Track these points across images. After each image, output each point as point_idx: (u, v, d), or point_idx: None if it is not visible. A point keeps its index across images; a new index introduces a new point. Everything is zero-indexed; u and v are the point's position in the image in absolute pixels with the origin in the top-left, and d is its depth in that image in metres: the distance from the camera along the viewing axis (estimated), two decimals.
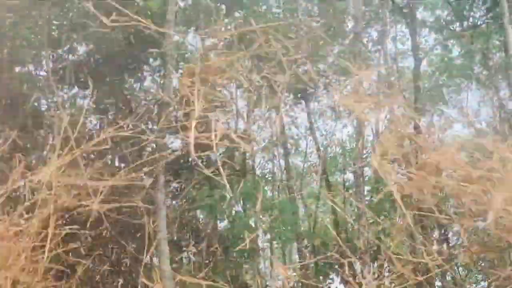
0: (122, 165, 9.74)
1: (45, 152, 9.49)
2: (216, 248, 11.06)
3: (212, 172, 8.29)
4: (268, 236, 12.91)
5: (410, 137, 8.36)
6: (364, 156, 12.14)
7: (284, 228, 12.17)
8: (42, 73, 11.41)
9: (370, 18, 14.76)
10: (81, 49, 11.55)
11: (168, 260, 8.35)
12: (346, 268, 8.75)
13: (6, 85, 10.22)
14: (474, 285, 13.55)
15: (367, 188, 12.62)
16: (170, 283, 8.02)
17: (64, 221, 7.96)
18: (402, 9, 14.22)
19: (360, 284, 7.98)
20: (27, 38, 10.67)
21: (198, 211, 12.20)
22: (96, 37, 10.37)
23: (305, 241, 13.54)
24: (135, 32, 9.99)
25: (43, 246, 7.03)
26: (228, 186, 9.21)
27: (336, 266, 12.20)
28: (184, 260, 11.36)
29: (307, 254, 13.30)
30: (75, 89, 11.66)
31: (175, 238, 10.96)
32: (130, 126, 8.54)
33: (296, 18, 12.64)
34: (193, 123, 7.38)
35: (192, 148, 7.24)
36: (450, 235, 12.34)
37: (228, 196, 11.08)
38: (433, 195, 7.52)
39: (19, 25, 10.39)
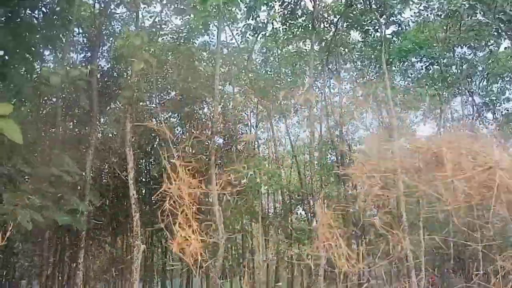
0: None
1: None
2: None
3: None
4: (266, 187, 24.40)
5: None
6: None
7: (274, 182, 23.69)
8: None
9: None
10: None
11: None
12: (306, 203, 20.45)
13: None
14: None
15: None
16: None
17: None
18: None
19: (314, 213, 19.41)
20: None
21: None
22: None
23: (284, 189, 25.36)
24: None
25: None
26: None
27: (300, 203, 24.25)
28: None
29: (286, 193, 25.17)
30: None
31: None
32: None
33: None
34: None
35: None
36: None
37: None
38: None
39: None
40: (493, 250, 20.98)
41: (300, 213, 31.33)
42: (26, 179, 11.72)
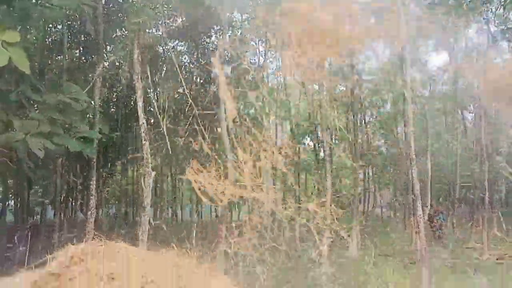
0: None
1: None
2: None
3: None
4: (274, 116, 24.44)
5: None
6: None
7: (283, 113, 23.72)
8: None
9: None
10: None
11: None
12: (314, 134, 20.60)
13: None
14: None
15: None
16: None
17: None
18: None
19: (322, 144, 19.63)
20: None
21: None
22: None
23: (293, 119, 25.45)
24: None
25: None
26: None
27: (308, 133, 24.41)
28: None
29: (293, 126, 25.28)
30: None
31: None
32: None
33: None
34: None
35: None
36: None
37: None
38: None
39: None
40: (499, 180, 21.28)
41: (308, 143, 31.63)
42: (36, 108, 11.80)
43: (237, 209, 38.55)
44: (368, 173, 30.58)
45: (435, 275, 13.53)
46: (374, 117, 27.19)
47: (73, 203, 29.51)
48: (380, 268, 14.67)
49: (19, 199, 24.84)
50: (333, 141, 20.12)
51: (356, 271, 14.23)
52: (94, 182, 13.85)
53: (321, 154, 25.99)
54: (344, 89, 24.79)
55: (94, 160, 13.93)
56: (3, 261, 14.73)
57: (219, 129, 17.66)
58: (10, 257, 16.02)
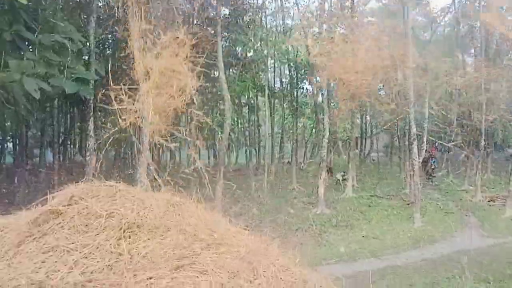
0: None
1: None
2: None
3: None
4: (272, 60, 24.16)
5: None
6: None
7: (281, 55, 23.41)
8: None
9: None
10: None
11: None
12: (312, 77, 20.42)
13: None
14: None
15: None
16: None
17: None
18: None
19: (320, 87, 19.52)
20: None
21: None
22: None
23: (291, 63, 25.16)
24: None
25: None
26: None
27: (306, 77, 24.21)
28: None
29: (292, 68, 25.05)
30: None
31: None
32: None
33: None
34: None
35: None
36: None
37: None
38: None
39: None
40: (496, 124, 21.29)
41: (306, 87, 31.46)
42: (30, 48, 11.59)
43: (234, 153, 38.98)
44: (365, 117, 30.62)
45: (427, 215, 13.86)
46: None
47: (72, 146, 29.68)
48: (374, 209, 15.00)
49: (17, 142, 24.92)
50: (331, 85, 19.90)
51: (350, 211, 14.53)
52: (92, 124, 13.85)
53: (319, 99, 25.94)
54: (345, 32, 24.32)
55: (91, 101, 13.86)
56: (3, 201, 14.97)
57: (216, 73, 17.46)
58: (10, 198, 16.28)
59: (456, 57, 21.24)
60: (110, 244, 3.84)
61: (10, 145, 30.40)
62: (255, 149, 28.53)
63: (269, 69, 25.55)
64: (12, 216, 4.82)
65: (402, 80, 15.80)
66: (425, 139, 17.20)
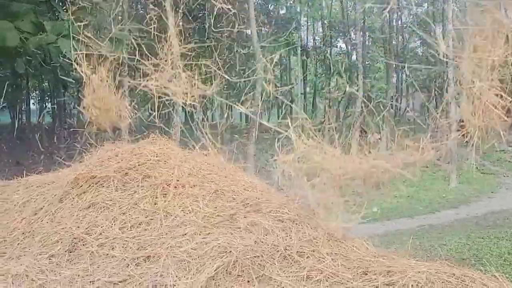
0: None
1: None
2: None
3: None
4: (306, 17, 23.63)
5: None
6: None
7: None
8: None
9: None
10: None
11: None
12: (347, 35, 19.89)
13: None
14: None
15: None
16: None
17: None
18: None
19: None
20: None
21: None
22: None
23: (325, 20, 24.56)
24: None
25: None
26: None
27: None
28: None
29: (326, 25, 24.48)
30: None
31: None
32: None
33: None
34: None
35: None
36: None
37: None
38: None
39: None
40: None
41: (340, 46, 30.77)
42: (64, 9, 11.69)
43: (266, 114, 38.89)
44: (401, 76, 29.87)
45: (463, 175, 13.63)
46: (411, 16, 25.97)
47: None
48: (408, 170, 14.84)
49: (56, 102, 25.58)
50: (367, 42, 19.39)
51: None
52: (127, 90, 13.98)
53: (353, 57, 25.37)
54: None
55: (126, 61, 13.97)
56: (44, 159, 15.52)
57: (248, 31, 17.28)
58: (50, 156, 16.85)
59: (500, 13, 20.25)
60: (147, 202, 3.96)
61: (48, 105, 31.27)
62: (288, 109, 28.39)
63: (302, 27, 25.04)
64: (53, 174, 5.01)
65: (441, 36, 15.19)
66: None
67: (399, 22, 24.64)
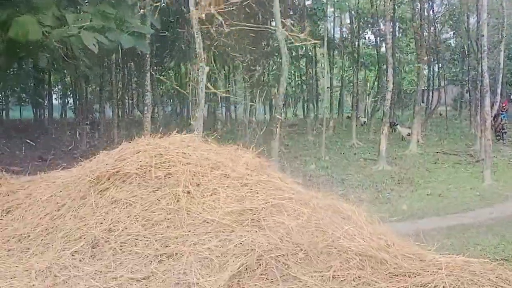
0: None
1: None
2: None
3: None
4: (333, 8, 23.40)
5: None
6: None
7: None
8: None
9: None
10: None
11: None
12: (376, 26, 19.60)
13: None
14: None
15: None
16: None
17: None
18: None
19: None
20: None
21: None
22: None
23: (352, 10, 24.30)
24: None
25: None
26: None
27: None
28: None
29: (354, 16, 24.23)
30: None
31: None
32: None
33: None
34: None
35: None
36: None
37: None
38: None
39: None
40: None
41: (369, 37, 30.42)
42: (87, 2, 11.86)
43: (291, 108, 38.74)
44: (433, 68, 29.37)
45: (498, 172, 13.36)
46: (444, 6, 25.46)
47: (130, 101, 30.65)
48: (440, 166, 14.61)
49: (77, 97, 26.00)
50: (397, 34, 19.08)
51: (414, 168, 14.22)
52: (149, 79, 14.12)
53: (383, 49, 25.02)
54: None
55: (148, 56, 14.10)
56: (67, 155, 15.82)
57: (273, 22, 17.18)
58: (72, 151, 17.18)
59: None
60: (169, 199, 4.00)
61: (70, 100, 31.90)
62: (313, 104, 28.23)
63: (328, 18, 24.80)
64: (76, 170, 5.10)
65: (475, 27, 14.91)
66: (498, 91, 16.33)
67: (431, 12, 24.13)
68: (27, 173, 6.83)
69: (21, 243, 4.00)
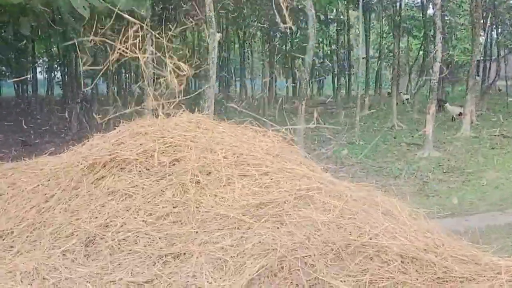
0: None
1: None
2: None
3: None
4: None
5: None
6: None
7: None
8: None
9: None
10: None
11: None
12: None
13: None
14: None
15: None
16: None
17: None
18: None
19: None
20: None
21: None
22: None
23: None
24: None
25: None
26: None
27: None
28: None
29: None
30: None
31: None
32: None
33: None
34: None
35: None
36: None
37: None
38: None
39: None
40: None
41: None
42: None
43: (319, 83, 38.54)
44: (491, 35, 28.89)
45: None
46: None
47: (128, 75, 30.75)
48: (498, 151, 14.45)
49: (66, 70, 26.07)
50: None
51: (467, 154, 14.08)
52: (150, 46, 14.10)
53: (430, 10, 24.68)
54: None
55: (149, 22, 14.10)
56: (54, 138, 15.97)
57: None
58: (61, 134, 17.35)
59: None
60: (175, 190, 4.00)
61: (58, 74, 32.06)
62: (345, 78, 28.04)
63: None
64: (65, 155, 5.14)
65: None
66: None
67: None
68: (9, 159, 6.89)
69: (3, 240, 4.04)
